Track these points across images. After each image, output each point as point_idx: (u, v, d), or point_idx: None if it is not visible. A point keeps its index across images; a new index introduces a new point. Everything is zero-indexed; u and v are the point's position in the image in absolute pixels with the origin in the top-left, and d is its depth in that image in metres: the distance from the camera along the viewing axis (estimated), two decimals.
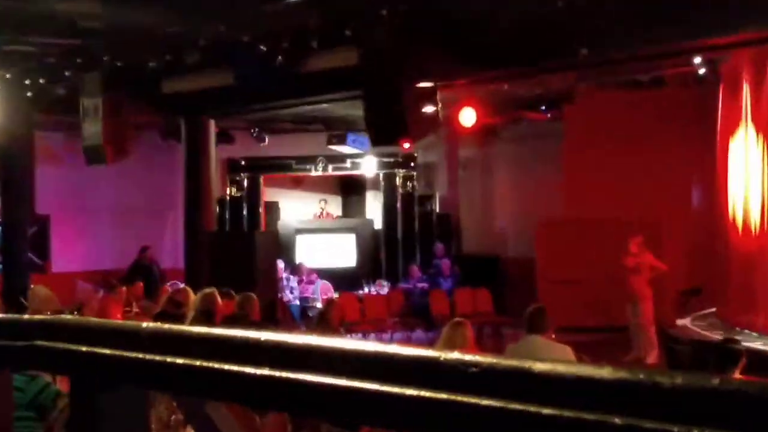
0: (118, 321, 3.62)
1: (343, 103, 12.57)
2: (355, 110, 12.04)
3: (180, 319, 7.19)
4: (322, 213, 17.81)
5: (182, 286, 9.35)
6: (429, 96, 9.77)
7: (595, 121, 13.99)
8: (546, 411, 0.84)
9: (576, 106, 14.14)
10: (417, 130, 9.68)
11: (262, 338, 1.14)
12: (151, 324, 1.36)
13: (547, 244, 13.95)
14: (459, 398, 0.90)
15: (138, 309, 11.01)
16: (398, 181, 17.19)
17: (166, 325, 1.35)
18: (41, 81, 11.86)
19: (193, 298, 7.89)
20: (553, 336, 6.17)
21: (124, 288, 10.56)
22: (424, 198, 17.16)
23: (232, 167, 17.31)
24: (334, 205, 18.86)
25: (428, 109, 9.72)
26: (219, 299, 7.33)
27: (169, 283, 12.60)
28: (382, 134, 9.67)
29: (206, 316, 7.06)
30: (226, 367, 1.16)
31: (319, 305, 13.90)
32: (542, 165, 15.75)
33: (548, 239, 13.98)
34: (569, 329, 10.71)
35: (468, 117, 13.15)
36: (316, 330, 8.05)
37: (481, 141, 16.71)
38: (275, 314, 12.16)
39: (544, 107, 14.44)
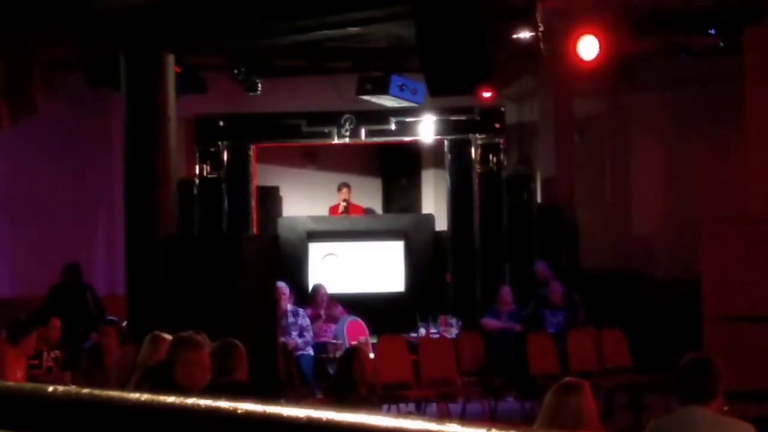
0: (15, 384, 3.62)
1: (385, 26, 12.49)
2: (403, 36, 11.94)
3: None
4: (343, 206, 17.81)
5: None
6: (524, 12, 9.70)
7: None
8: None
9: (766, 28, 13.94)
10: (505, 70, 9.61)
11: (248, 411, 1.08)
12: (62, 387, 1.39)
13: (720, 255, 13.79)
14: None
15: (50, 362, 11.09)
16: (475, 153, 17.21)
17: (86, 390, 1.36)
18: None
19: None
20: (726, 408, 6.17)
21: (33, 332, 10.40)
22: (517, 181, 17.21)
23: (203, 131, 17.46)
24: (369, 193, 18.97)
25: (524, 34, 9.64)
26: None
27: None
28: (446, 77, 9.65)
29: (162, 378, 7.10)
30: None
31: None
32: (711, 125, 15.60)
33: (721, 248, 13.81)
34: (752, 395, 10.55)
35: (589, 48, 13.05)
36: (333, 398, 8.08)
37: (610, 87, 16.65)
38: (275, 371, 12.17)
39: (713, 30, 14.29)
